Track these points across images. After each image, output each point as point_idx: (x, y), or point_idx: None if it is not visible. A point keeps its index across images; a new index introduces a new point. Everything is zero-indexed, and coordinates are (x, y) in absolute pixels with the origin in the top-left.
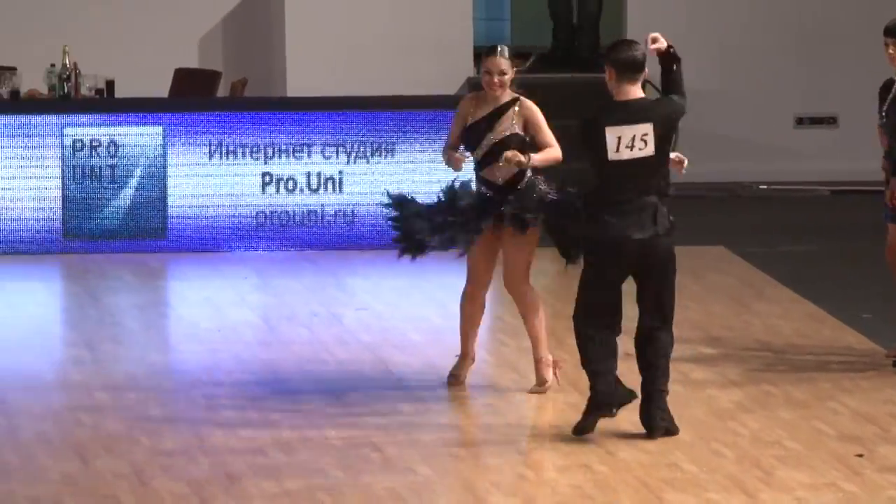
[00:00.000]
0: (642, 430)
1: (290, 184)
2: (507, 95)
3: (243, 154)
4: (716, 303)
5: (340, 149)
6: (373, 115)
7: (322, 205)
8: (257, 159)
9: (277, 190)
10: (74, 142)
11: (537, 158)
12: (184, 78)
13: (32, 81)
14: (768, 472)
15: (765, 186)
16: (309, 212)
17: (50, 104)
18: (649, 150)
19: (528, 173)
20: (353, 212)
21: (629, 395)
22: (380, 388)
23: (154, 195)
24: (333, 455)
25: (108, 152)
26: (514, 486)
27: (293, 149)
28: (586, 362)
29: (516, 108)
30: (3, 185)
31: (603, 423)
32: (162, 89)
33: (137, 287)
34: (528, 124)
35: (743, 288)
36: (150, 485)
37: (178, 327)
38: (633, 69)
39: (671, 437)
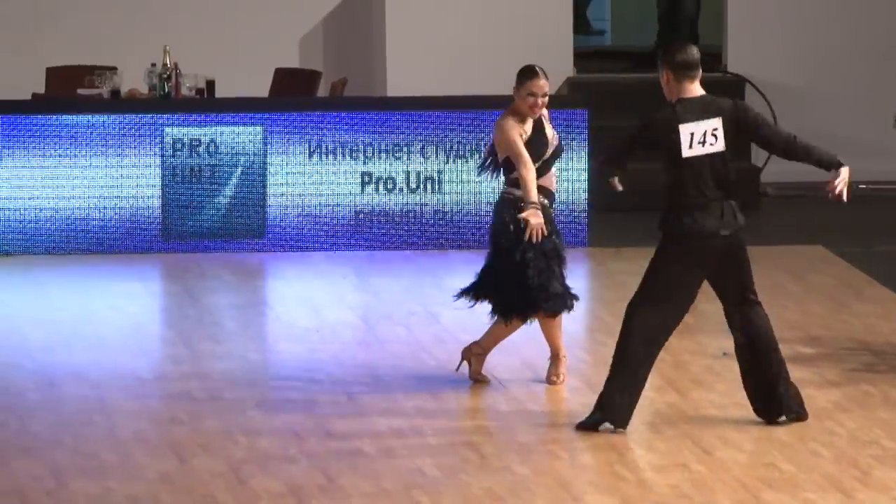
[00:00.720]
0: (738, 428)
1: (390, 183)
2: None
3: (343, 154)
4: (814, 302)
5: (440, 148)
6: (472, 115)
7: (421, 204)
8: (357, 159)
9: (377, 189)
10: (174, 141)
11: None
12: (284, 78)
13: (133, 81)
14: (866, 472)
15: (864, 186)
16: (408, 211)
17: (150, 104)
18: (720, 144)
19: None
20: (451, 211)
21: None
22: (477, 387)
23: (253, 195)
24: (431, 454)
25: (208, 152)
26: (611, 485)
27: (392, 148)
28: (617, 359)
29: (545, 116)
30: (103, 185)
31: (702, 420)
32: (262, 89)
33: (236, 286)
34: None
35: (842, 288)
36: (247, 484)
37: (277, 327)
38: (690, 68)
39: (768, 438)
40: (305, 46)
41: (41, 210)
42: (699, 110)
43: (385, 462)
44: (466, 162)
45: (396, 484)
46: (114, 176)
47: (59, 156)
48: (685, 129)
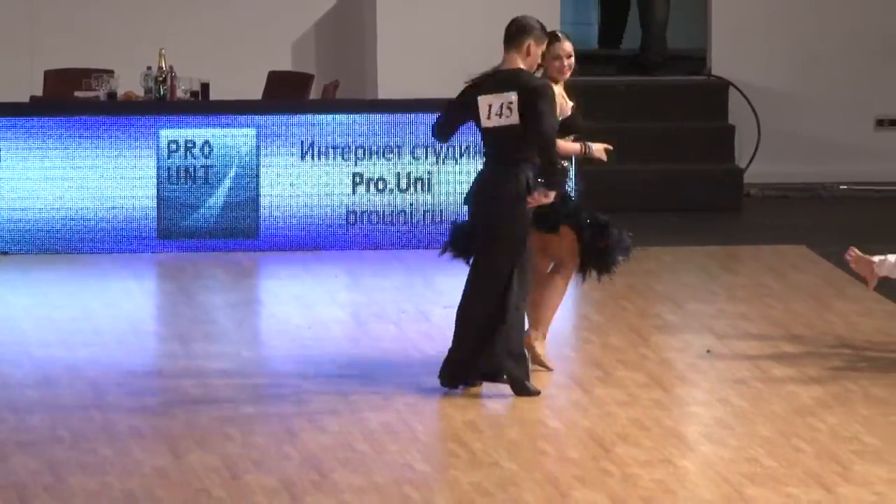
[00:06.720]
0: (722, 424)
1: (381, 184)
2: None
3: (334, 155)
4: (797, 301)
5: (430, 150)
6: None
7: (412, 205)
8: (348, 160)
9: (368, 190)
10: (169, 143)
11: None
12: (277, 80)
13: (129, 84)
14: (847, 467)
15: (845, 187)
16: (399, 211)
17: (146, 106)
18: (514, 118)
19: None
20: (441, 211)
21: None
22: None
23: (247, 195)
24: (420, 449)
25: (203, 153)
26: (597, 480)
27: (384, 150)
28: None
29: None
30: (100, 186)
31: (687, 416)
32: (255, 92)
33: (230, 285)
34: None
35: (824, 287)
36: (241, 479)
37: (270, 324)
38: (506, 39)
39: (750, 433)
40: (298, 50)
41: (39, 210)
42: (499, 83)
43: (376, 457)
44: (456, 163)
45: (387, 479)
46: (110, 177)
47: (57, 157)
48: (483, 101)
